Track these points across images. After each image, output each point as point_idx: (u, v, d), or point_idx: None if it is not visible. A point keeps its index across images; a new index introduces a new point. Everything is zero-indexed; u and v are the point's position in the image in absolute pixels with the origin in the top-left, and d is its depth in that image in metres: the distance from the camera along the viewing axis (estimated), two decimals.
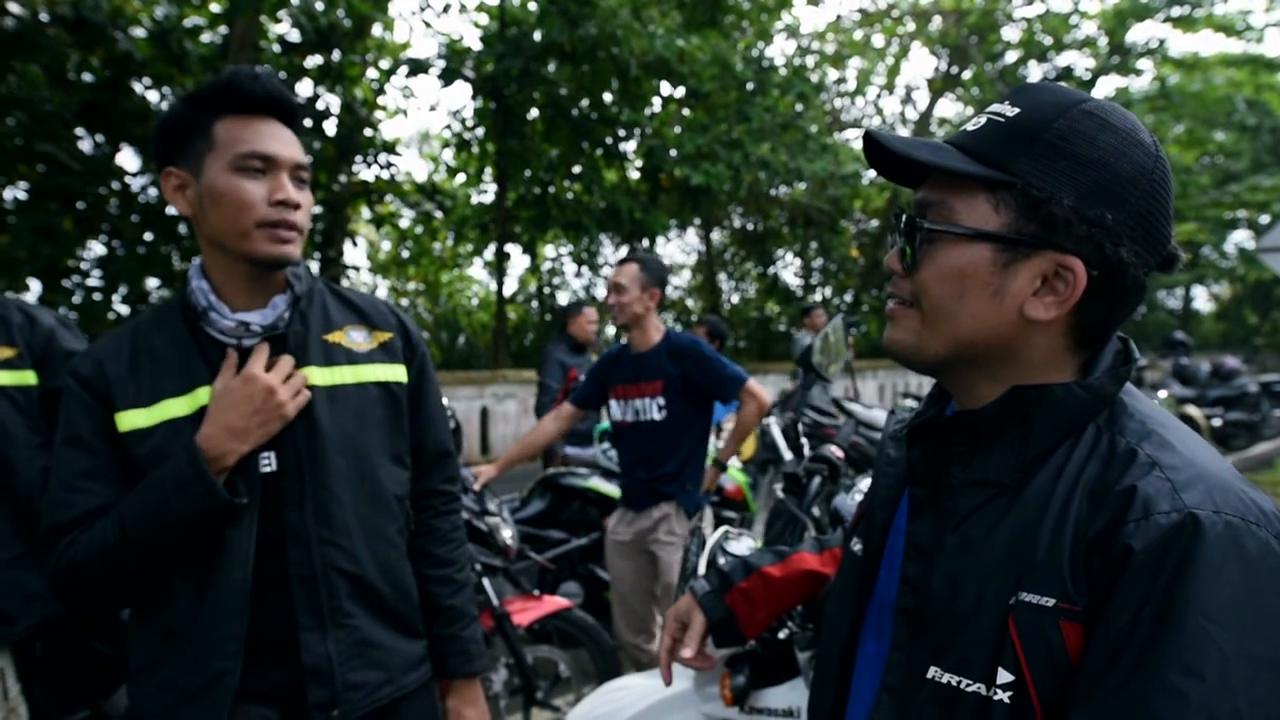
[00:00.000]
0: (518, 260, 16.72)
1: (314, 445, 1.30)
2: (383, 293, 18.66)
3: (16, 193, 9.01)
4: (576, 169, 13.34)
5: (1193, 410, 9.16)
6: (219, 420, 1.22)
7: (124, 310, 9.81)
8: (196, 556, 1.24)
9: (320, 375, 1.34)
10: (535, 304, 18.05)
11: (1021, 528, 0.78)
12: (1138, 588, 0.70)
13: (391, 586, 1.39)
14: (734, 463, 4.88)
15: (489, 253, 15.98)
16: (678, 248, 19.12)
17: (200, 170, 1.26)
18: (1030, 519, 0.78)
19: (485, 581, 2.80)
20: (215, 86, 1.27)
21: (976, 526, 0.81)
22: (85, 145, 9.24)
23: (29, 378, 1.75)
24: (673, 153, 12.26)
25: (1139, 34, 16.71)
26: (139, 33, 9.02)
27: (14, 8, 7.71)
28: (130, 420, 1.26)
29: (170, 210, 9.75)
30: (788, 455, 5.58)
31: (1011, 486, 0.80)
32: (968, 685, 0.77)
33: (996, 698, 0.75)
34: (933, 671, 0.80)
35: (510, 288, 16.64)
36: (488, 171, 14.54)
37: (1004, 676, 0.75)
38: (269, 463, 1.29)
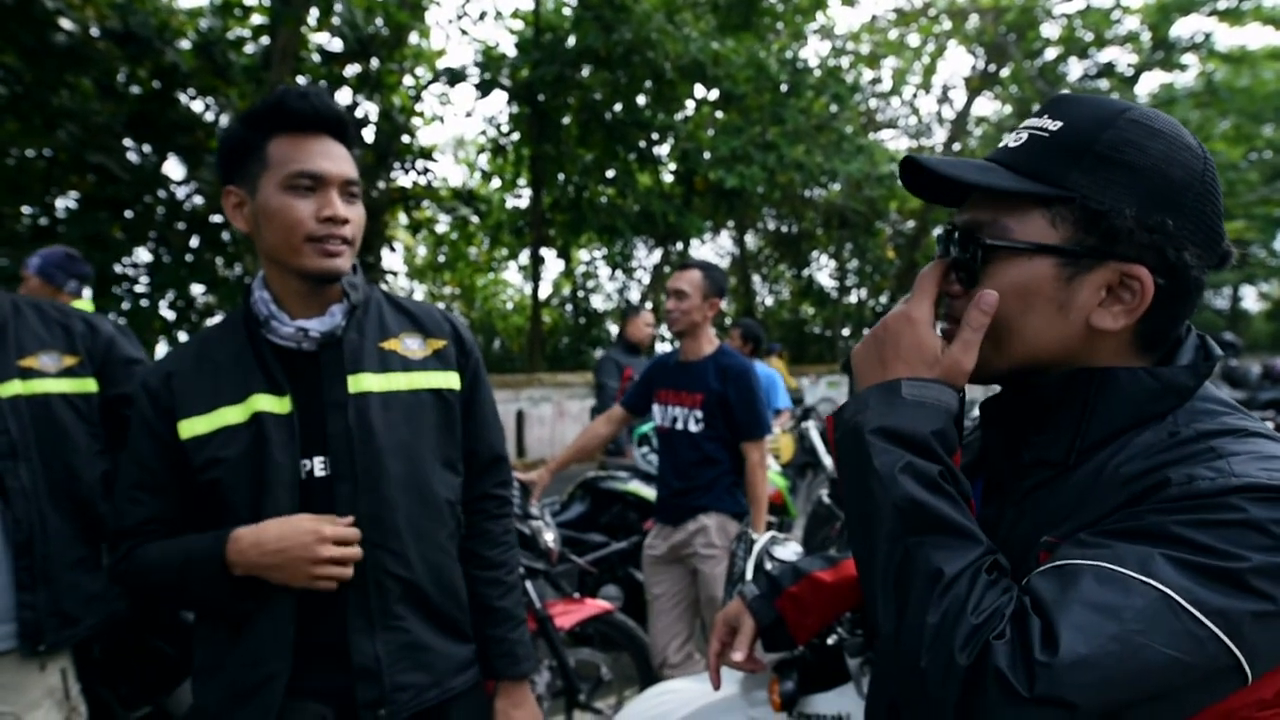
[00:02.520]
0: (552, 264, 16.85)
1: (367, 450, 1.33)
2: (419, 297, 18.89)
3: (68, 202, 9.30)
4: (611, 173, 13.41)
5: None
6: (267, 534, 1.25)
7: (170, 315, 10.06)
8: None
9: (375, 382, 1.37)
10: (570, 307, 18.15)
11: (1070, 501, 0.78)
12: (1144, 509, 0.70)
13: (441, 590, 1.42)
14: (773, 466, 4.86)
15: (524, 257, 16.12)
16: (712, 250, 19.11)
17: (255, 189, 1.30)
18: (1077, 494, 0.78)
19: (528, 584, 2.82)
20: (267, 106, 1.30)
21: (1031, 502, 0.82)
22: (133, 155, 9.50)
23: (90, 385, 1.80)
24: (707, 155, 12.26)
25: (1184, 28, 16.48)
26: (184, 45, 9.26)
27: (66, 24, 7.94)
28: (190, 427, 1.31)
29: (215, 218, 9.99)
30: (827, 459, 5.55)
31: (1070, 465, 0.80)
32: None
33: None
34: None
35: (545, 291, 16.78)
36: (523, 176, 14.66)
37: None
38: (323, 467, 1.32)
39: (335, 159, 1.31)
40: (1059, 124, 0.80)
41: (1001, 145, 0.85)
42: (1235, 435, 0.75)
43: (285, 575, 1.25)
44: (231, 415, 1.31)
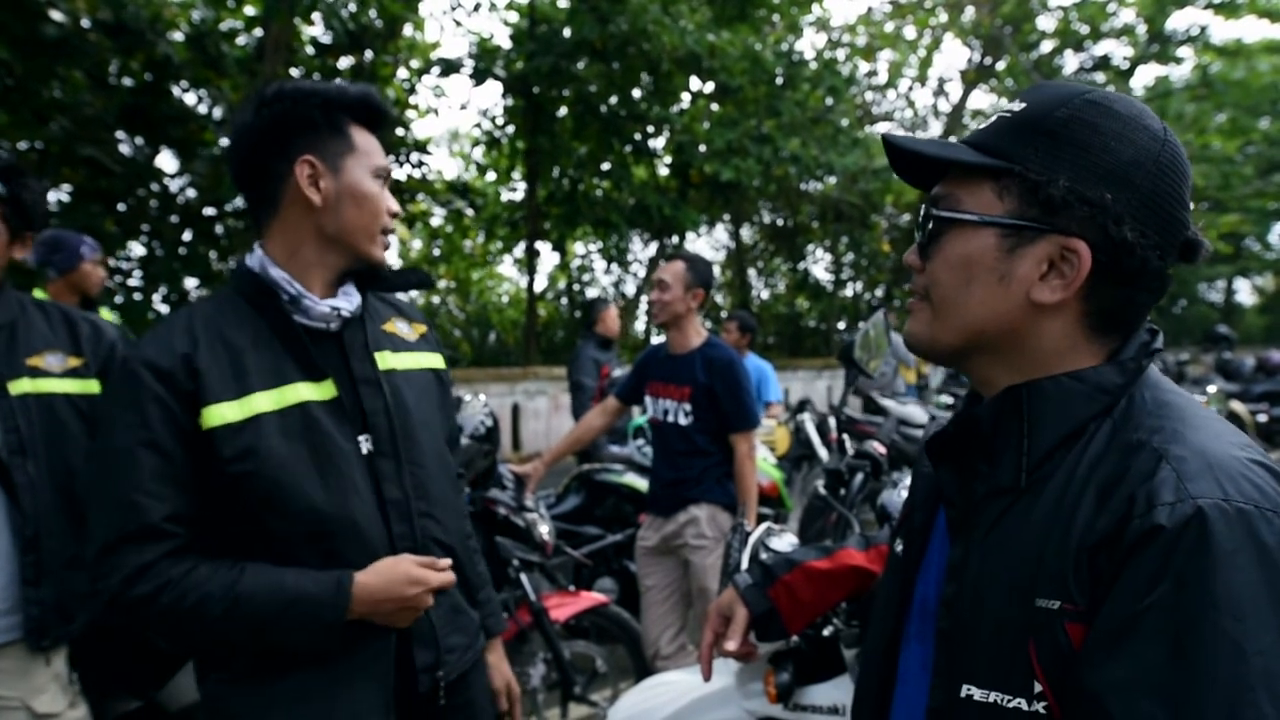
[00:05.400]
0: (547, 257, 16.77)
1: (405, 424, 1.37)
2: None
3: (60, 195, 9.22)
4: (606, 166, 13.35)
5: (1237, 406, 8.90)
6: (375, 588, 1.25)
7: (164, 309, 9.99)
8: (333, 561, 1.27)
9: (393, 360, 1.42)
10: (565, 301, 18.11)
11: (1038, 531, 0.77)
12: (1142, 579, 0.69)
13: (466, 556, 1.49)
14: (769, 458, 4.85)
15: (519, 250, 16.07)
16: (707, 244, 19.04)
17: (340, 169, 1.31)
18: (1044, 521, 0.77)
19: (523, 577, 2.81)
20: (354, 97, 1.34)
21: (998, 537, 0.81)
22: (125, 148, 9.42)
23: (93, 386, 1.81)
24: (702, 148, 12.21)
25: (1179, 21, 16.31)
26: (177, 37, 9.17)
27: (57, 15, 7.87)
28: (220, 414, 1.21)
29: (208, 211, 9.93)
30: (822, 452, 5.55)
31: (1024, 489, 0.79)
32: (1007, 701, 0.76)
33: (1034, 709, 0.74)
34: (969, 690, 0.79)
35: (540, 285, 16.72)
36: (518, 169, 14.61)
37: (1037, 687, 0.74)
38: (367, 444, 1.33)
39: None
40: (1023, 105, 0.83)
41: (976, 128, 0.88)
42: (1170, 436, 0.75)
43: (392, 620, 1.28)
44: (264, 402, 1.25)
